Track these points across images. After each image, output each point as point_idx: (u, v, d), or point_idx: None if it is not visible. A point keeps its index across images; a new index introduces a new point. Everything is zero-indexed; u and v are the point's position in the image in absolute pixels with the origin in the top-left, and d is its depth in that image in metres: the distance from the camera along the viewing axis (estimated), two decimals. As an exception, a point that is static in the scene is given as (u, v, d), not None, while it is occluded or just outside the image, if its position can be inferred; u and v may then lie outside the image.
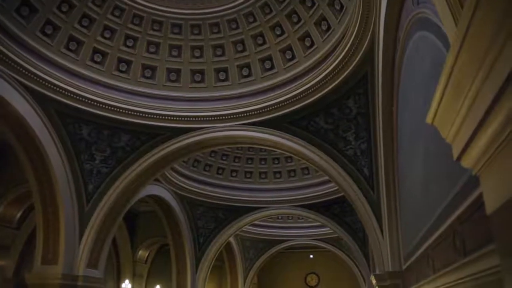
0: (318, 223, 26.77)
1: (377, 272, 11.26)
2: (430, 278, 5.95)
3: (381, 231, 11.31)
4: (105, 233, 14.51)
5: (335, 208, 23.54)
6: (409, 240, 8.81)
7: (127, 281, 21.75)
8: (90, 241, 13.79)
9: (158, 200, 20.32)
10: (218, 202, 23.42)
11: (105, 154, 14.23)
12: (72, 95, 13.01)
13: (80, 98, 13.19)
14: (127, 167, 14.55)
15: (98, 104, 13.53)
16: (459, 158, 2.08)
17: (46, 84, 12.36)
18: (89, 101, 13.37)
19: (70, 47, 12.96)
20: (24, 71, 11.70)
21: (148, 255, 26.97)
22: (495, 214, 1.83)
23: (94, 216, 14.00)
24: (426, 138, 6.03)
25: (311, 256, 37.51)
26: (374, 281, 11.18)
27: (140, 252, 25.92)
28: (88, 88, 13.37)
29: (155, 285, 23.19)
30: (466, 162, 2.05)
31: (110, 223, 14.68)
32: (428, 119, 2.35)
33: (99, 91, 13.56)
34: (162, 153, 14.66)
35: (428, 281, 6.23)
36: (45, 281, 12.87)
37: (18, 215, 18.92)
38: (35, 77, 12.03)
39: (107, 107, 13.68)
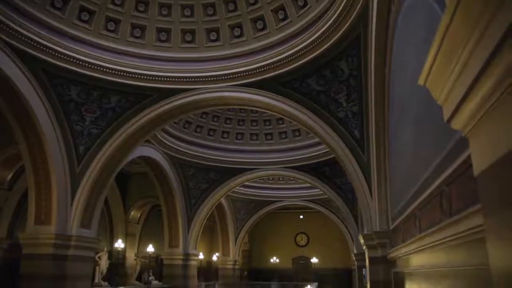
0: (308, 185, 27.12)
1: (365, 232, 11.54)
2: (416, 238, 6.11)
3: (370, 192, 11.52)
4: (97, 194, 14.60)
5: (325, 170, 23.80)
6: (397, 202, 9.00)
7: (120, 241, 22.12)
8: (82, 201, 13.89)
9: (149, 161, 20.38)
10: (209, 163, 23.55)
11: (95, 115, 14.10)
12: (59, 55, 12.72)
13: (68, 58, 12.91)
14: (117, 128, 14.47)
15: (86, 64, 13.27)
16: (449, 120, 2.09)
17: (33, 43, 12.04)
18: (77, 61, 13.10)
19: (56, 5, 12.53)
20: (10, 30, 11.35)
21: (141, 215, 27.33)
22: (482, 175, 1.87)
23: (85, 177, 14.04)
24: (417, 100, 6.04)
25: (301, 216, 38.31)
26: (362, 241, 11.48)
27: (132, 213, 26.25)
28: (76, 47, 13.05)
29: (148, 245, 23.60)
30: (456, 124, 2.06)
31: (102, 183, 14.75)
32: (420, 81, 2.34)
33: (87, 51, 13.27)
34: (152, 114, 14.56)
35: (414, 241, 6.40)
36: (38, 241, 13.04)
37: (9, 176, 18.92)
38: (21, 37, 11.69)
39: (95, 67, 13.43)
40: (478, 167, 1.92)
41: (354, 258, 24.97)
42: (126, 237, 25.47)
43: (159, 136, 19.79)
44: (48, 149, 12.89)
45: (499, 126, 1.65)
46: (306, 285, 30.38)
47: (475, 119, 1.85)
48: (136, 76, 14.04)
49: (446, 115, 2.10)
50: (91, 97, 13.83)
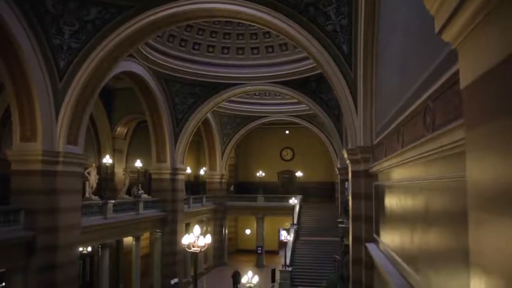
0: (294, 100, 27.16)
1: (349, 146, 11.77)
2: (398, 152, 6.25)
3: (356, 108, 11.57)
4: (81, 110, 14.43)
5: (311, 85, 23.70)
6: (382, 117, 9.08)
7: (107, 157, 22.34)
8: (67, 117, 13.76)
9: (134, 77, 19.98)
10: (195, 78, 23.20)
11: (74, 28, 13.46)
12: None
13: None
14: (99, 42, 13.91)
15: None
16: (440, 31, 2.01)
17: None
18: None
19: None
20: None
21: (127, 131, 27.40)
22: (469, 88, 1.84)
23: (69, 92, 13.76)
24: (407, 15, 5.83)
25: (287, 131, 38.85)
26: (346, 155, 11.75)
27: (118, 129, 26.27)
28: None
29: (135, 160, 23.95)
30: (447, 36, 1.99)
31: (86, 99, 14.52)
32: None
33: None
34: (135, 26, 13.95)
35: (395, 155, 6.56)
36: (26, 157, 13.10)
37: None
38: None
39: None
40: (465, 80, 1.89)
41: (337, 172, 25.85)
42: (114, 153, 25.74)
43: (143, 50, 19.19)
44: (27, 66, 12.46)
45: (488, 39, 1.60)
46: (291, 198, 31.70)
47: (467, 30, 1.77)
48: (114, -15, 13.23)
49: (437, 26, 2.02)
50: (68, 8, 13.07)
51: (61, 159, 13.64)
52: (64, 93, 13.72)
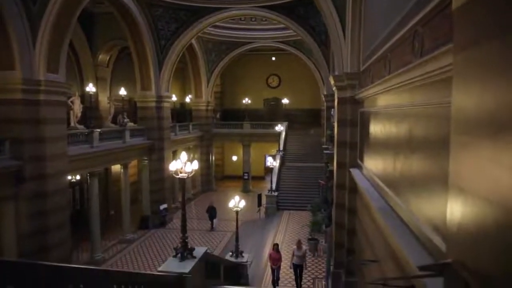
0: (281, 25, 26.45)
1: (336, 73, 11.69)
2: (385, 79, 6.24)
3: (344, 34, 11.32)
4: (60, 35, 13.85)
5: (299, 10, 22.98)
6: (369, 43, 8.93)
7: (90, 85, 21.89)
8: (45, 44, 13.23)
9: (113, 0, 19.03)
10: (178, 2, 22.24)
11: None
12: None
13: None
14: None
15: None
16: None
17: None
18: None
19: None
20: None
21: (109, 58, 26.60)
22: (460, 9, 1.79)
23: (45, 17, 13.10)
24: None
25: (273, 58, 38.25)
26: (332, 82, 11.70)
27: (100, 56, 25.48)
28: None
29: (120, 88, 23.54)
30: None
31: (64, 24, 13.89)
32: None
33: None
34: None
35: (382, 82, 6.55)
36: (6, 86, 12.75)
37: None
38: None
39: None
40: (457, 1, 1.84)
41: (323, 99, 25.93)
42: (97, 81, 25.20)
43: (120, -29, 18.14)
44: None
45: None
46: (277, 125, 31.96)
47: None
48: None
49: None
50: None
51: (42, 87, 13.32)
52: (40, 17, 13.05)
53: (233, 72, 38.65)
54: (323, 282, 15.02)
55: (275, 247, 14.79)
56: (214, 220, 23.45)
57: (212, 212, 23.38)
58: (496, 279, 1.33)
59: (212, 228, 23.18)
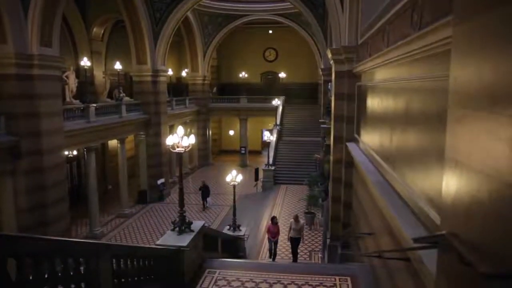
0: (278, -2, 26.02)
1: (334, 46, 11.57)
2: (383, 52, 6.18)
3: (342, 6, 11.15)
4: (52, 7, 13.58)
5: (296, -18, 22.55)
6: (368, 16, 8.81)
7: (85, 59, 21.61)
8: (37, 16, 12.98)
9: (105, -29, 18.61)
10: (173, -26, 21.77)
11: None
12: None
13: None
14: None
15: None
16: None
17: None
18: None
19: None
20: None
21: (104, 32, 26.17)
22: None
23: (36, -12, 12.82)
24: None
25: (270, 31, 37.74)
26: (330, 55, 11.59)
27: (95, 30, 25.05)
28: None
29: (115, 62, 23.25)
30: None
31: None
32: None
33: None
34: None
35: (380, 55, 6.49)
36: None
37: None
38: None
39: None
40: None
41: (321, 73, 25.73)
42: (92, 55, 24.86)
43: None
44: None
45: None
46: (274, 99, 31.83)
47: None
48: None
49: None
50: None
51: (36, 62, 13.14)
52: (31, -11, 12.78)
53: (229, 46, 38.20)
54: (320, 255, 15.28)
55: (274, 220, 14.90)
56: (208, 199, 22.63)
57: (204, 191, 22.45)
58: (487, 249, 1.35)
59: (204, 208, 22.32)
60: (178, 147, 9.44)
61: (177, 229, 8.96)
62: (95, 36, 25.29)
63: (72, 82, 18.34)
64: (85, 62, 21.38)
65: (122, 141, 21.04)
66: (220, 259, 10.71)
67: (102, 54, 26.27)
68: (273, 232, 14.62)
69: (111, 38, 26.90)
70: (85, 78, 23.17)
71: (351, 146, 10.12)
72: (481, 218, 1.41)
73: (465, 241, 1.52)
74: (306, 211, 19.24)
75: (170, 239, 8.69)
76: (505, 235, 1.23)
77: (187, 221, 9.16)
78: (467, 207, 1.54)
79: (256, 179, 25.90)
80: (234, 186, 15.80)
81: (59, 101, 14.88)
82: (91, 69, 24.46)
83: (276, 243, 14.82)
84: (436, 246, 1.94)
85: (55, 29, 14.07)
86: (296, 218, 14.72)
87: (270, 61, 39.92)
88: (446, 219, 1.81)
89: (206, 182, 22.93)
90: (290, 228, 14.63)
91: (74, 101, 18.14)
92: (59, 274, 4.87)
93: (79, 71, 22.46)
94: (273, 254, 14.74)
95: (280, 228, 15.56)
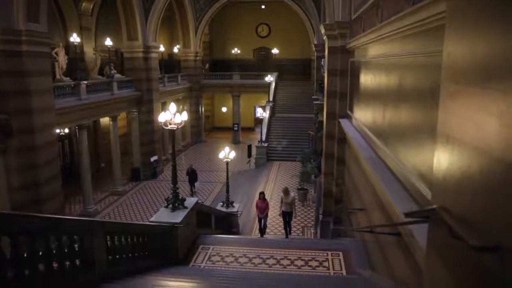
0: (271, -28, 25.54)
1: (327, 22, 11.45)
2: (376, 27, 6.13)
3: (335, -21, 10.98)
4: (39, -18, 13.25)
5: (289, -45, 22.12)
6: (361, -11, 8.69)
7: (74, 35, 21.20)
8: (24, -10, 12.65)
9: None
10: None
11: None
12: None
13: None
14: None
15: None
16: None
17: None
18: None
19: None
20: None
21: (93, 7, 25.60)
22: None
23: (22, -38, 12.44)
24: None
25: (263, 7, 37.21)
26: (323, 31, 11.49)
27: (84, 4, 24.50)
28: None
29: (105, 38, 22.84)
30: None
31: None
32: None
33: None
34: None
35: (373, 30, 6.44)
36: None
37: None
38: None
39: None
40: None
41: (314, 49, 25.54)
42: (81, 31, 24.40)
43: None
44: None
45: None
46: (267, 75, 31.62)
47: None
48: None
49: None
50: None
51: (24, 38, 12.84)
52: (18, -38, 12.40)
53: (222, 22, 37.65)
54: (312, 230, 15.48)
55: (261, 196, 14.79)
56: (196, 184, 21.12)
57: (192, 176, 20.94)
58: (477, 223, 1.37)
59: (192, 193, 20.56)
60: (170, 124, 9.39)
61: (170, 206, 9.00)
62: (84, 11, 24.77)
63: (62, 59, 18.03)
64: (74, 38, 21.00)
65: (114, 119, 20.89)
66: (214, 235, 10.82)
67: (92, 30, 25.79)
68: (261, 208, 14.48)
69: (101, 13, 26.35)
70: (75, 54, 22.80)
71: (344, 122, 10.14)
72: (472, 192, 1.42)
73: (456, 215, 1.54)
74: (299, 187, 19.39)
75: (164, 216, 8.74)
76: (494, 209, 1.25)
77: (180, 198, 9.20)
78: (458, 181, 1.55)
79: (249, 155, 25.95)
80: (227, 163, 15.83)
81: (49, 79, 14.64)
82: (81, 45, 24.05)
83: (266, 216, 14.69)
84: (427, 220, 1.96)
85: (42, 3, 13.73)
86: (285, 191, 14.41)
87: (263, 37, 39.46)
88: (437, 193, 1.83)
89: (193, 166, 21.66)
90: (281, 202, 14.46)
91: (64, 78, 17.88)
92: (54, 251, 4.90)
93: (68, 47, 22.07)
94: (263, 226, 14.59)
95: (273, 204, 15.61)
